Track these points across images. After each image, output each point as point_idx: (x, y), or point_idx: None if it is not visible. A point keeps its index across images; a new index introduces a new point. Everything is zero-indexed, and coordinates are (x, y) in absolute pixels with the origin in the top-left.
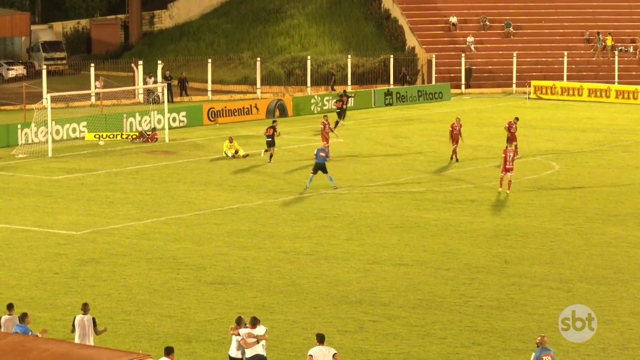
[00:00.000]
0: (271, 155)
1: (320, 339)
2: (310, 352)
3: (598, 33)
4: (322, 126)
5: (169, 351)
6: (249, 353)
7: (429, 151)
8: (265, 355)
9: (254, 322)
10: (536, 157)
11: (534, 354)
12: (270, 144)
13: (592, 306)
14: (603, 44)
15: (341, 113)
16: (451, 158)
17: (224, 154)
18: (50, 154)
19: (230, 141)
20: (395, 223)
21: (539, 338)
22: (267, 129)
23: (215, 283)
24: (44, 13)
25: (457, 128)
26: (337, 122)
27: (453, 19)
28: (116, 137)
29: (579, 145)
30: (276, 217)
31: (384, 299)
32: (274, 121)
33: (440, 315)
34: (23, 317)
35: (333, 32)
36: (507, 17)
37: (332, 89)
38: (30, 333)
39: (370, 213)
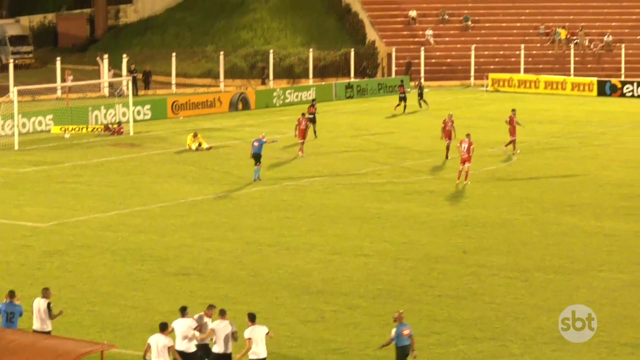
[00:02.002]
0: (315, 132)
1: (252, 319)
2: (248, 334)
3: (555, 27)
4: (298, 123)
5: (163, 327)
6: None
7: (389, 143)
8: (183, 349)
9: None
10: (494, 149)
11: (394, 329)
12: (312, 121)
13: (549, 295)
14: (559, 37)
15: (404, 99)
16: (446, 157)
17: (187, 147)
18: (16, 147)
19: (195, 135)
20: (356, 214)
21: (396, 314)
22: (308, 108)
23: (179, 274)
24: (11, 7)
25: (449, 124)
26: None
27: (412, 13)
28: (82, 130)
29: (536, 136)
30: (239, 209)
31: (344, 289)
32: (313, 100)
33: (400, 305)
34: (11, 295)
35: (295, 25)
36: (466, 11)
37: (264, 83)
38: (19, 312)
39: (332, 204)
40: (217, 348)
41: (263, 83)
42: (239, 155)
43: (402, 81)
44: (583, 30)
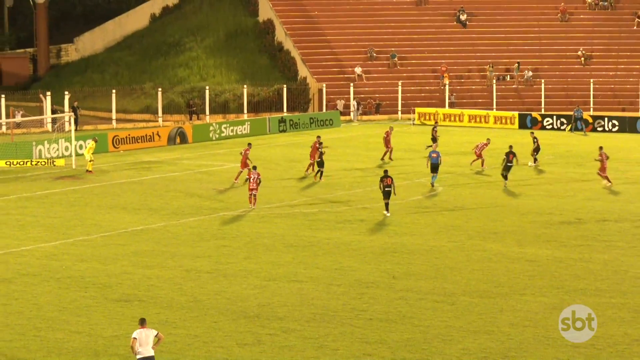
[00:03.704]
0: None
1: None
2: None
3: (491, 64)
4: (245, 152)
5: (142, 322)
6: None
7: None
8: None
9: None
10: (420, 180)
11: None
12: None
13: (474, 318)
14: (487, 73)
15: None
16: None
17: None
18: None
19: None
20: (289, 242)
21: None
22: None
23: (121, 300)
24: None
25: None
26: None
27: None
28: (26, 164)
29: (460, 167)
30: (178, 238)
31: (279, 313)
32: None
33: (333, 328)
34: None
35: (230, 63)
36: (392, 49)
37: (191, 119)
38: None
39: (267, 233)
40: None
41: (190, 119)
42: (178, 187)
43: (436, 122)
44: (503, 66)
